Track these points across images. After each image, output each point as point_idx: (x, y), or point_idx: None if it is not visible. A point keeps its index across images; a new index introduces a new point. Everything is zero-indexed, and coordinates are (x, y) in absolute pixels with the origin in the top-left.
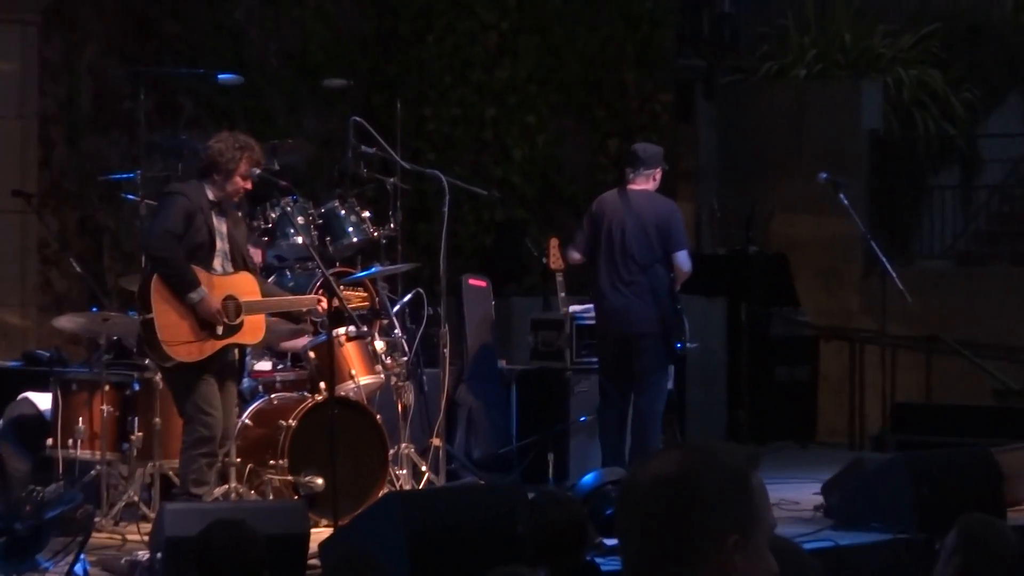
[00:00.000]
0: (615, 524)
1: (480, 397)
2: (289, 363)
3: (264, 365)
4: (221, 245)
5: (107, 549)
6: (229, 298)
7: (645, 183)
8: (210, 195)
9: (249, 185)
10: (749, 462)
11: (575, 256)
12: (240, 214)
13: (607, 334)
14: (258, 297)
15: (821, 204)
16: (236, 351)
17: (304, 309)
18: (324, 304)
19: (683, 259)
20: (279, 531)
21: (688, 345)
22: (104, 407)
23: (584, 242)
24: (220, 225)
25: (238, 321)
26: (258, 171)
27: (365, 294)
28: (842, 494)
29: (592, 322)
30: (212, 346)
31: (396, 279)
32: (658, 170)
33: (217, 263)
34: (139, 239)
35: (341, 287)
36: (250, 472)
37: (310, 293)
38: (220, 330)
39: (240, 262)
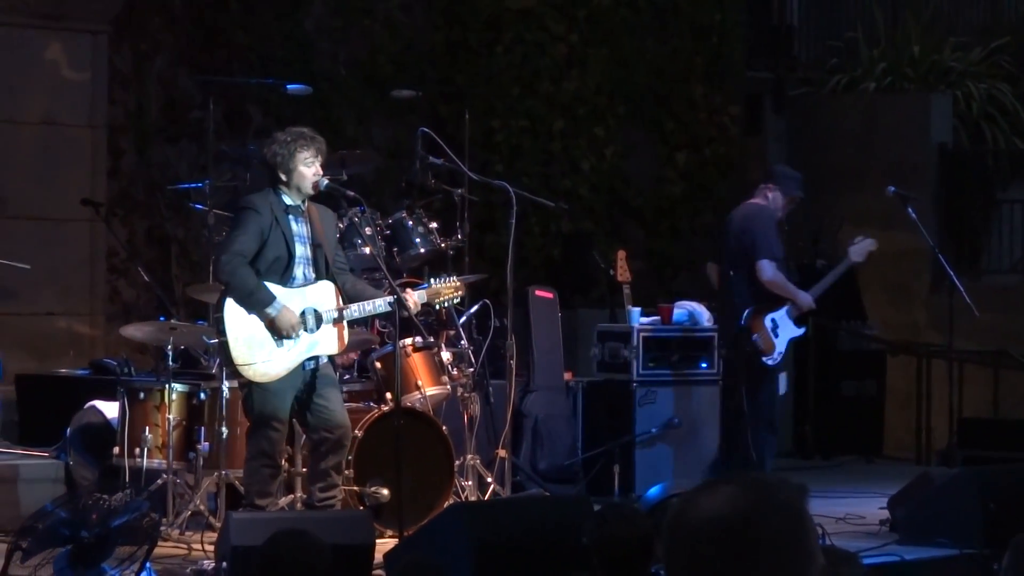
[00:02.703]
0: (663, 556)
1: (546, 408)
2: (355, 373)
3: None
4: (303, 251)
5: (173, 558)
6: (308, 310)
7: (759, 198)
8: (286, 200)
9: (318, 169)
10: (801, 496)
11: (710, 267)
12: (325, 207)
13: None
14: (339, 305)
15: (889, 218)
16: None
17: (384, 309)
18: (413, 301)
19: (759, 267)
20: (345, 541)
21: (767, 360)
22: (171, 416)
23: (718, 254)
24: (300, 228)
25: (319, 332)
26: (326, 181)
27: (459, 283)
28: (908, 509)
29: (657, 335)
30: (292, 361)
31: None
32: (770, 189)
33: (298, 271)
34: (215, 262)
35: (428, 287)
36: None
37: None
38: (299, 344)
39: (323, 266)
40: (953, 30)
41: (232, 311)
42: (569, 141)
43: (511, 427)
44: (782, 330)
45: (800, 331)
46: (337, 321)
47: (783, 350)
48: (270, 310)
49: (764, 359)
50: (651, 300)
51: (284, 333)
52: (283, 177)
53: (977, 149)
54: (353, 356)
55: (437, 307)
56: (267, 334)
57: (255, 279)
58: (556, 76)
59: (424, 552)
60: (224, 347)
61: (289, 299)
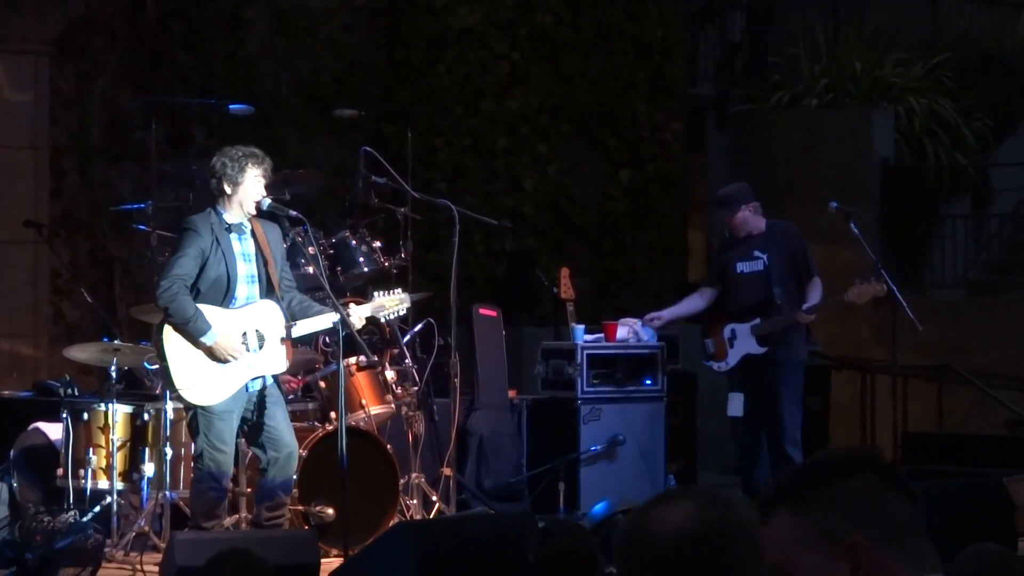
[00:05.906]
0: (619, 573)
1: (491, 426)
2: (299, 393)
3: None
4: (246, 269)
5: None
6: (250, 330)
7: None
8: (229, 218)
9: (262, 188)
10: (754, 512)
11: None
12: (270, 223)
13: None
14: (282, 324)
15: (832, 233)
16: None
17: (330, 325)
18: (358, 316)
19: None
20: (290, 561)
21: (715, 366)
22: (115, 437)
23: None
24: (245, 247)
25: (261, 353)
26: (268, 200)
27: (404, 295)
28: None
29: (601, 352)
30: (234, 384)
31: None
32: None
33: (241, 291)
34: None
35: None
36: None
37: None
38: (240, 365)
39: (266, 284)
40: (894, 46)
41: (171, 336)
42: (512, 159)
43: (456, 445)
44: (739, 342)
45: (760, 349)
46: (282, 340)
47: (734, 362)
48: (205, 339)
49: (713, 364)
50: (595, 317)
51: (223, 359)
52: (228, 190)
53: (919, 164)
54: (295, 384)
55: (383, 319)
56: (210, 356)
57: (192, 307)
58: (499, 94)
59: (369, 571)
60: (165, 372)
61: (230, 320)
